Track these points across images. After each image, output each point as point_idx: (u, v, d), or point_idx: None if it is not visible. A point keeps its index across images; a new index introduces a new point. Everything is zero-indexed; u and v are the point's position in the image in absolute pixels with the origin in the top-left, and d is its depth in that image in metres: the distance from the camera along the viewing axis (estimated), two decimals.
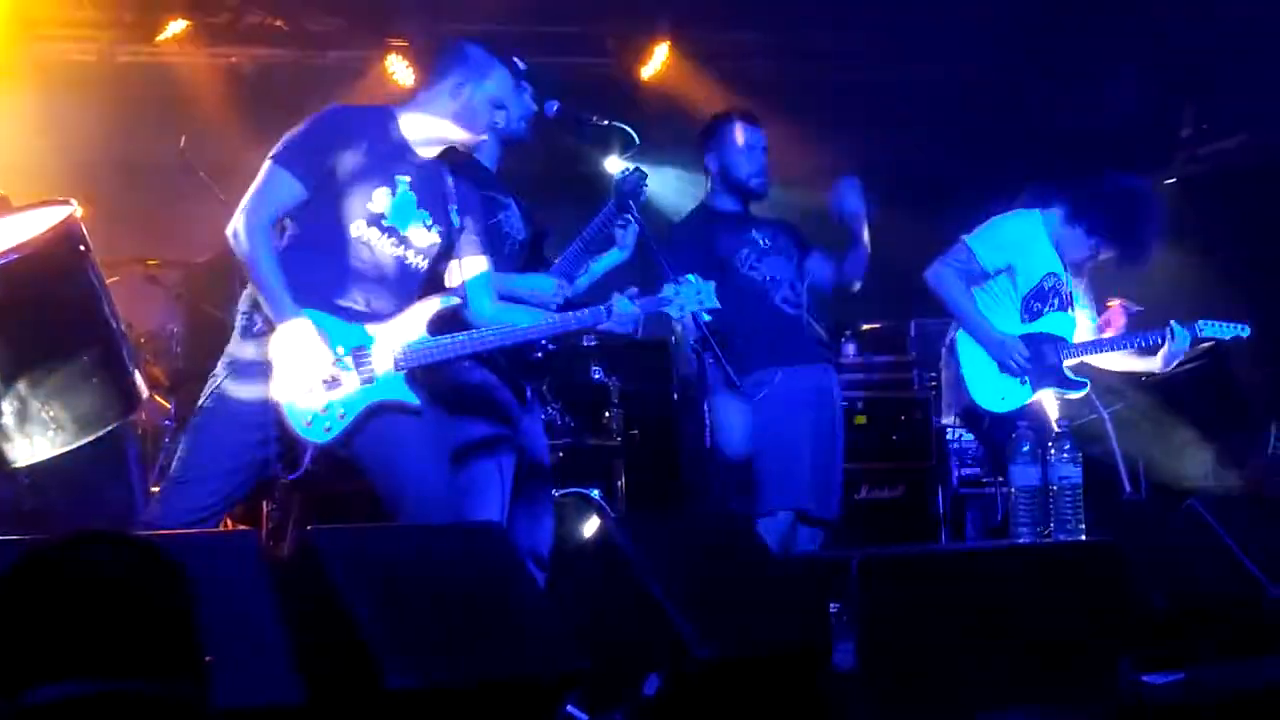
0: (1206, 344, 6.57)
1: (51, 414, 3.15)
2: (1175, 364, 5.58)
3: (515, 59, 4.65)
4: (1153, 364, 5.60)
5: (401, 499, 3.88)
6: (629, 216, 4.59)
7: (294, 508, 5.87)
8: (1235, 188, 7.70)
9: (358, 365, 3.79)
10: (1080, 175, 5.58)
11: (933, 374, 7.00)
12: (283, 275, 3.72)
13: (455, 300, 3.99)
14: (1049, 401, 5.35)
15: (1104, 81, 7.63)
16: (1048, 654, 3.91)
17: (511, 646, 3.25)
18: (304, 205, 3.84)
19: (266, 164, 3.80)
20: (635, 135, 4.62)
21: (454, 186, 4.07)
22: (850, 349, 7.34)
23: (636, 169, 4.66)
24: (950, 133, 7.59)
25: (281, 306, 3.69)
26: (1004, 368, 5.34)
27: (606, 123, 4.56)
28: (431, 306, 3.92)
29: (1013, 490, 4.46)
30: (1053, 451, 4.46)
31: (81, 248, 3.29)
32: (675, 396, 7.26)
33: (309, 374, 3.73)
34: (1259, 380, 6.61)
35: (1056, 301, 5.50)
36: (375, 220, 3.87)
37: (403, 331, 3.87)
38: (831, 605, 3.88)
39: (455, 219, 4.04)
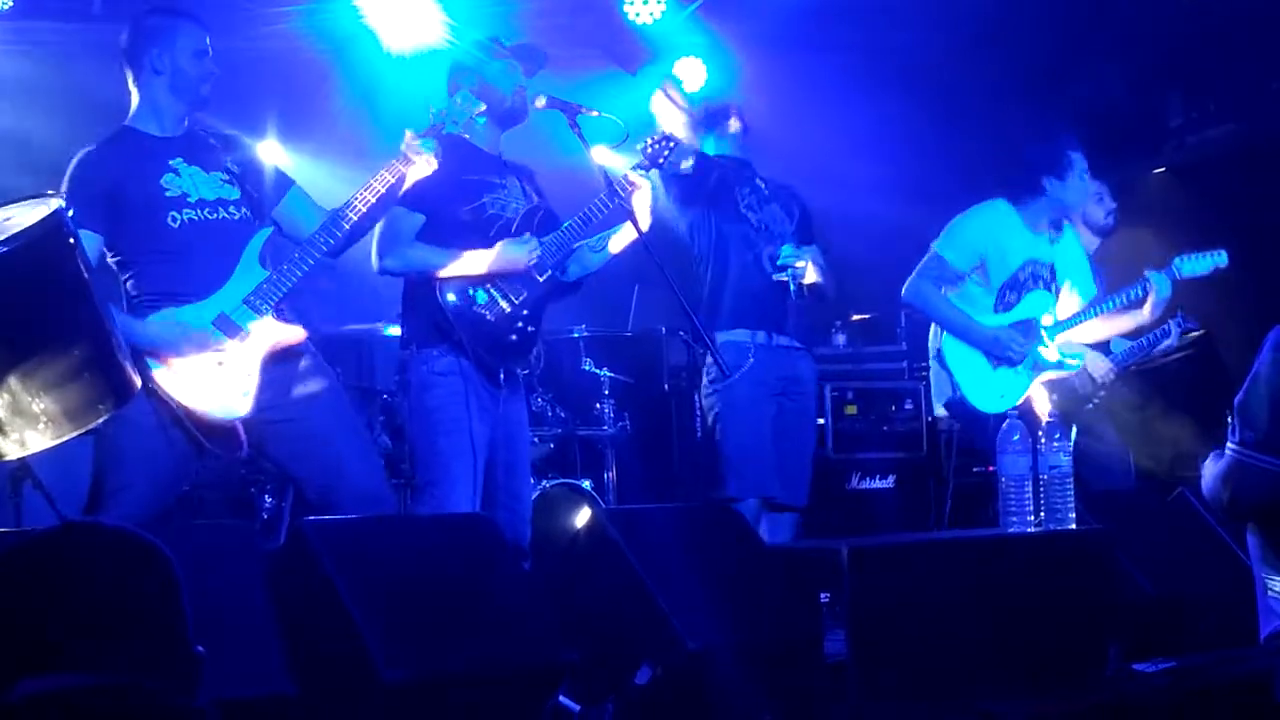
0: (1197, 333, 6.59)
1: (42, 407, 3.13)
2: (1164, 315, 5.63)
3: (498, 37, 4.69)
4: (1140, 316, 5.65)
5: (314, 449, 4.05)
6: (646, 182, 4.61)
7: (287, 499, 5.87)
8: (1224, 176, 7.71)
9: (229, 332, 3.95)
10: None
11: (923, 364, 7.00)
12: (112, 307, 3.87)
13: (269, 230, 4.12)
14: (1040, 396, 5.37)
15: (1092, 70, 7.63)
16: (1037, 642, 3.92)
17: (503, 638, 3.25)
18: (113, 237, 3.98)
19: None
20: (625, 126, 4.61)
21: (214, 137, 4.19)
22: (840, 339, 7.35)
23: (668, 135, 4.72)
24: (939, 122, 7.59)
25: (133, 330, 3.84)
26: (1002, 360, 5.36)
27: (596, 114, 4.55)
28: (255, 247, 4.05)
29: (1003, 480, 4.47)
30: (1043, 441, 4.47)
31: (70, 240, 3.28)
32: (666, 387, 7.27)
33: (197, 368, 3.89)
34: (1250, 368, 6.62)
35: (1034, 284, 5.51)
36: (181, 202, 4.02)
37: (246, 281, 4.00)
38: (822, 595, 3.89)
39: (233, 166, 4.15)
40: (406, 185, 4.22)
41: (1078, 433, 5.63)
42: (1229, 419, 3.14)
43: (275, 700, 2.88)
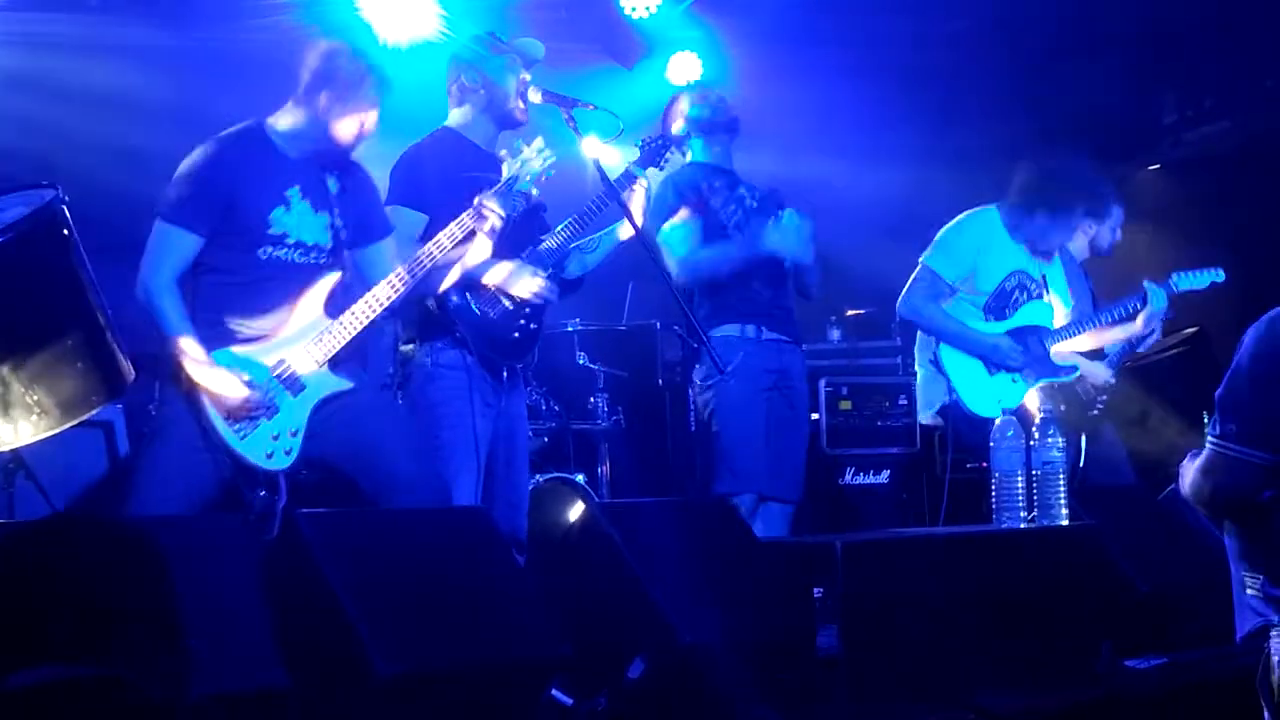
0: (1191, 330, 6.61)
1: (35, 398, 3.14)
2: (1156, 324, 5.66)
3: (494, 32, 4.68)
4: (1132, 328, 5.68)
5: (380, 476, 4.02)
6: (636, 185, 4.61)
7: (281, 492, 5.86)
8: (1218, 174, 7.72)
9: (284, 381, 3.94)
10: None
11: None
12: (191, 327, 3.87)
13: (337, 275, 4.08)
14: (1031, 398, 5.39)
15: (1087, 68, 7.63)
16: (1030, 638, 3.93)
17: (496, 632, 3.25)
18: (209, 245, 3.95)
19: (156, 223, 3.93)
20: (620, 120, 4.61)
21: (336, 162, 4.14)
22: (835, 335, 7.34)
23: (660, 137, 4.72)
24: (933, 117, 7.59)
25: (195, 356, 3.83)
26: (1001, 368, 5.38)
27: (593, 107, 4.55)
28: (320, 293, 4.03)
29: (996, 475, 4.47)
30: (1035, 437, 4.48)
31: (65, 232, 3.28)
32: (660, 382, 7.26)
33: (246, 413, 3.88)
34: None
35: (1024, 296, 5.53)
36: (279, 241, 4.01)
37: (307, 328, 3.99)
38: (816, 590, 3.89)
39: (340, 199, 4.12)
40: (470, 253, 4.21)
41: (1086, 441, 5.68)
42: (1209, 413, 3.15)
43: (269, 693, 2.88)
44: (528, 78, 4.57)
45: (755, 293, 5.27)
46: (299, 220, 4.04)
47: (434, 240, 4.11)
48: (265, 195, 4.00)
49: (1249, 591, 3.14)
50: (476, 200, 4.16)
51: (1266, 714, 3.06)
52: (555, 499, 6.11)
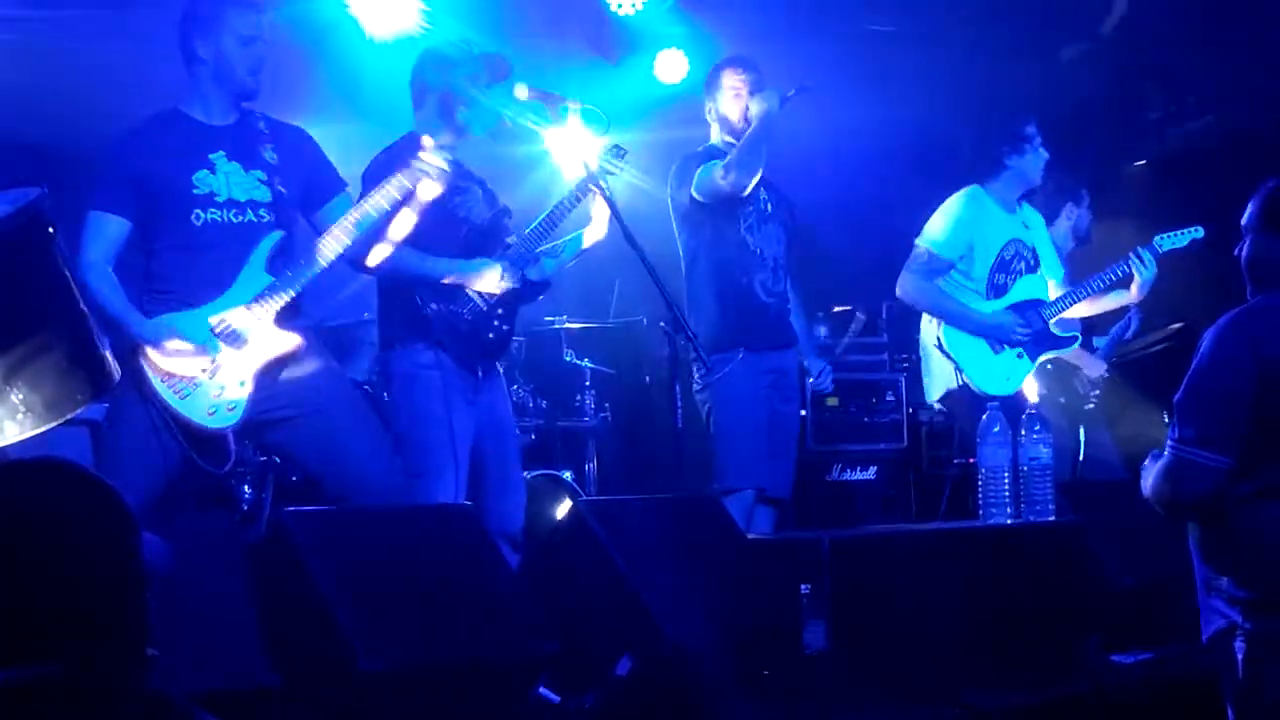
0: (1175, 326, 6.64)
1: (20, 397, 3.12)
2: (1148, 291, 5.69)
3: (470, 40, 4.67)
4: (1128, 296, 5.72)
5: (348, 477, 4.03)
6: (599, 189, 4.58)
7: (268, 491, 5.86)
8: (1203, 170, 7.73)
9: (225, 338, 3.92)
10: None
11: (904, 356, 7.01)
12: (125, 300, 3.91)
13: (279, 235, 4.05)
14: (1031, 384, 5.42)
15: (1072, 64, 7.65)
16: (1016, 633, 3.94)
17: (483, 629, 3.25)
18: (140, 223, 3.98)
19: (86, 214, 3.96)
20: (605, 117, 4.60)
21: (267, 125, 4.14)
22: (822, 331, 7.35)
23: (616, 144, 4.71)
24: (918, 112, 7.59)
25: (131, 326, 3.86)
26: (1005, 344, 5.40)
27: (579, 105, 4.55)
28: (263, 253, 4.00)
29: (982, 471, 4.48)
30: (1023, 432, 4.48)
31: (49, 230, 3.27)
32: (647, 379, 7.26)
33: (187, 372, 3.88)
34: None
35: (1023, 266, 5.55)
36: (208, 201, 3.99)
37: (249, 285, 3.97)
38: (803, 586, 3.90)
39: (273, 159, 4.09)
40: (418, 197, 4.13)
41: (1085, 434, 5.71)
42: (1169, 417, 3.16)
43: (255, 691, 2.88)
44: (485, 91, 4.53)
45: (753, 317, 5.27)
46: (227, 179, 4.03)
47: (376, 192, 4.05)
48: (186, 162, 4.00)
49: (1214, 593, 3.15)
50: (417, 157, 4.08)
51: (1231, 716, 3.08)
52: (542, 496, 6.11)
